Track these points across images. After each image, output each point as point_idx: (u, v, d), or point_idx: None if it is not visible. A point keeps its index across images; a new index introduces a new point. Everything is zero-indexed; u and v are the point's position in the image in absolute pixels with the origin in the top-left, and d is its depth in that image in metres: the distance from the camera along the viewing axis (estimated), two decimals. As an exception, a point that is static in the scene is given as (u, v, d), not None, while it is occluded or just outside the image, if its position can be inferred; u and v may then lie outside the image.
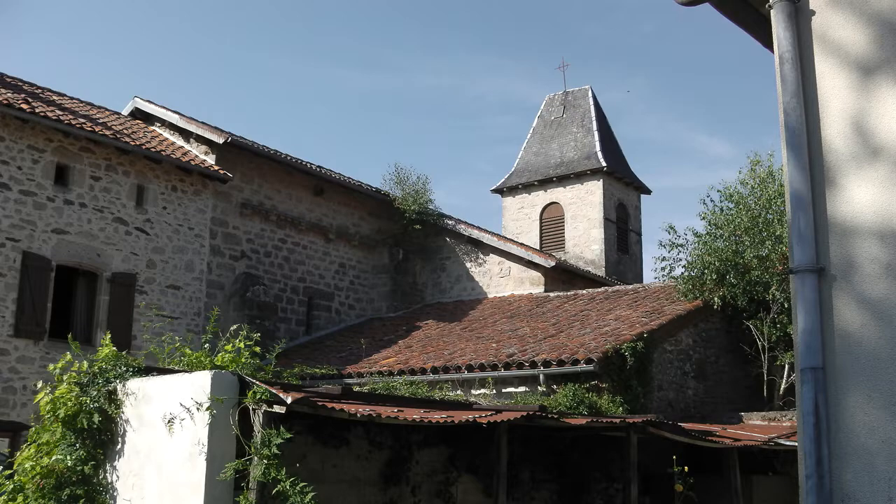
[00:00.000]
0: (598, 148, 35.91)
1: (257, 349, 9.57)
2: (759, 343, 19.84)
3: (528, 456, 12.91)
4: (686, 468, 12.90)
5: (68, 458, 9.42)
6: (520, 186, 36.82)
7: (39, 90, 23.31)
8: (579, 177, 35.44)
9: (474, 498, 12.47)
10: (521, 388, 17.97)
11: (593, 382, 16.85)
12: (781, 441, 14.43)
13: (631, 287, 25.53)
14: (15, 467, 10.37)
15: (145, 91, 76.43)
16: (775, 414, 18.19)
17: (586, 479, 14.64)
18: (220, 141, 24.26)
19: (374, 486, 11.55)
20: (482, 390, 17.74)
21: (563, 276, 27.36)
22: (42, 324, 20.10)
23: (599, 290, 25.16)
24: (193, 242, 23.19)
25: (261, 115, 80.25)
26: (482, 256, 27.74)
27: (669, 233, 21.84)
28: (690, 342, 20.39)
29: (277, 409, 7.88)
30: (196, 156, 24.28)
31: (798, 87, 5.27)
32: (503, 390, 18.02)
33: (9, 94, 20.83)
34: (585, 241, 34.88)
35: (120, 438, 9.31)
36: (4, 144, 20.12)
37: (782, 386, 19.33)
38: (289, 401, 7.76)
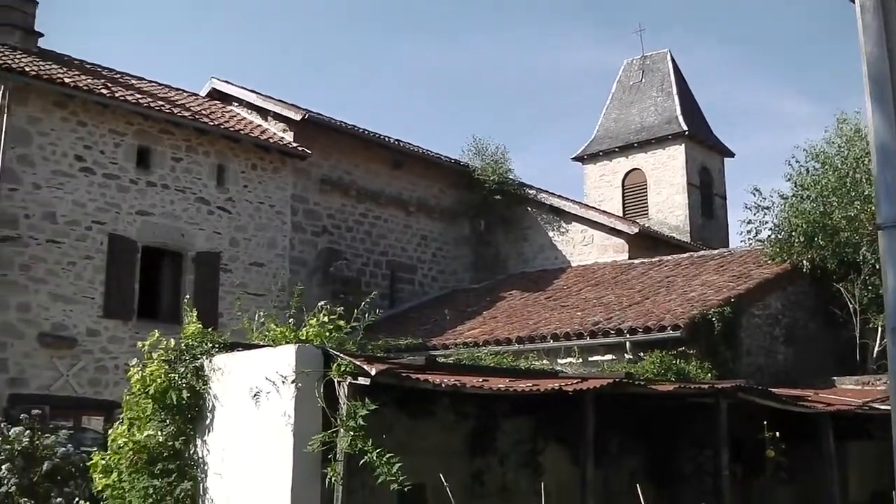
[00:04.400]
0: (678, 112, 35.48)
1: (341, 323, 9.61)
2: (851, 306, 19.43)
3: (615, 424, 12.78)
4: (777, 434, 12.69)
5: (159, 433, 9.57)
6: (600, 154, 36.53)
7: (118, 75, 23.67)
8: (661, 142, 35.06)
9: (562, 467, 12.40)
10: (608, 357, 17.83)
11: (680, 349, 16.61)
12: (876, 405, 14.10)
13: (717, 252, 25.15)
14: (109, 444, 10.58)
15: (221, 71, 77.07)
16: (869, 378, 17.81)
17: (674, 446, 14.47)
18: (298, 118, 24.46)
19: (460, 456, 11.54)
20: (568, 359, 17.66)
21: (647, 242, 27.05)
22: (130, 304, 20.48)
23: (684, 255, 24.83)
24: (275, 220, 23.40)
25: (337, 92, 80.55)
26: (564, 225, 27.55)
27: (755, 195, 21.46)
28: (779, 306, 20.04)
29: (362, 381, 7.88)
30: (274, 133, 24.47)
31: (881, 35, 5.08)
32: (589, 359, 17.88)
33: (89, 80, 21.17)
34: (669, 207, 34.51)
35: (209, 413, 9.42)
36: (87, 129, 20.48)
37: (875, 349, 18.89)
38: (373, 372, 7.76)
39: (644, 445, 14.18)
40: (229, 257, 22.33)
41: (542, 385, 9.72)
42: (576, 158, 37.61)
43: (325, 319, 9.47)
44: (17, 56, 20.76)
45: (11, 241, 19.17)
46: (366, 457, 7.73)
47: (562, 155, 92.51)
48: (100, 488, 10.87)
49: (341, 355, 8.22)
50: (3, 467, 16.57)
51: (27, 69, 19.84)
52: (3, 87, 19.61)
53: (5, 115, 19.52)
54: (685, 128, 34.80)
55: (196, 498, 9.43)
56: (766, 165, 67.89)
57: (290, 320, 9.77)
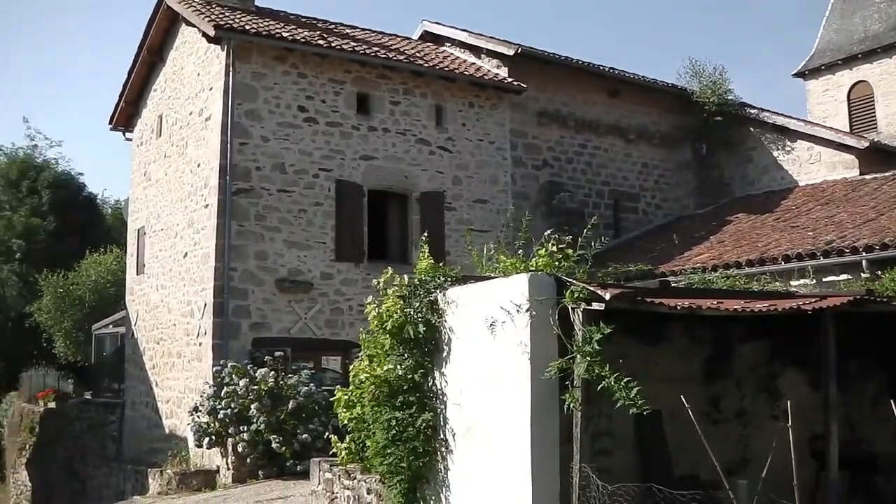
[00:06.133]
0: (905, 15, 33.60)
1: (570, 252, 9.59)
2: None
3: (855, 346, 12.30)
4: None
5: (398, 367, 9.81)
6: (822, 67, 35.03)
7: (333, 25, 24.34)
8: (887, 50, 33.21)
9: (800, 390, 12.09)
10: (843, 276, 17.19)
11: (921, 266, 15.84)
12: None
13: (956, 163, 23.81)
14: (351, 379, 10.98)
15: (430, 13, 77.61)
16: None
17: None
18: (511, 53, 24.51)
19: (695, 382, 11.39)
20: (801, 281, 17.14)
21: (879, 157, 25.76)
22: (360, 247, 21.11)
23: (921, 168, 23.60)
24: (495, 156, 23.56)
25: (545, 24, 79.98)
26: (789, 144, 26.61)
27: None
28: None
29: (596, 306, 7.83)
30: (488, 70, 24.59)
31: None
32: (823, 279, 17.32)
33: (306, 33, 21.79)
34: (900, 119, 32.85)
35: (445, 346, 9.58)
36: (307, 81, 21.11)
37: None
38: (607, 297, 7.69)
39: (886, 367, 13.66)
40: (453, 196, 22.66)
41: (780, 305, 9.47)
42: (797, 74, 36.22)
43: (554, 249, 9.47)
44: (238, 16, 21.58)
45: (245, 193, 20.03)
46: (603, 382, 7.71)
47: (779, 71, 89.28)
48: (345, 421, 11.34)
49: (574, 282, 8.19)
50: (253, 407, 17.56)
51: (248, 27, 20.59)
52: (226, 46, 20.43)
53: (231, 74, 20.31)
54: (914, 31, 32.98)
55: (437, 428, 9.66)
56: None
57: (520, 252, 9.82)
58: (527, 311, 8.16)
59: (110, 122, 27.83)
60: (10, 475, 30.88)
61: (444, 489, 9.60)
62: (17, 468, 29.79)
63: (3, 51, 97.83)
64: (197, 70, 22.29)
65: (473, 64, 24.98)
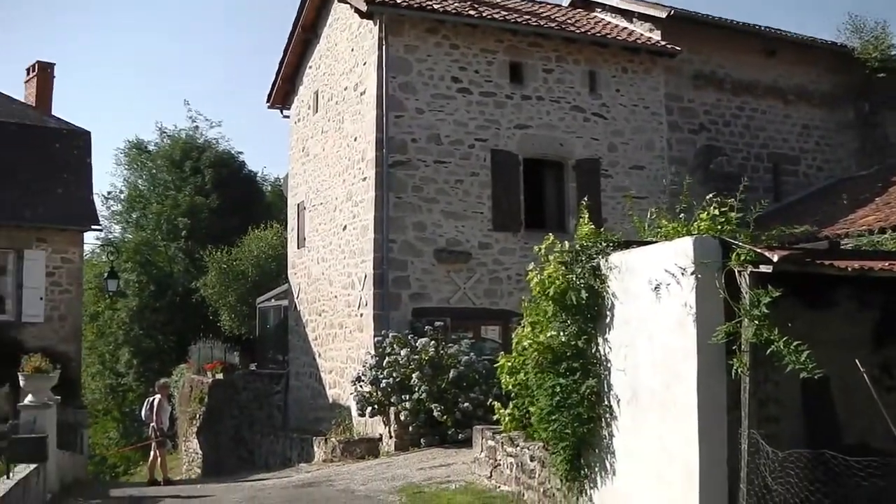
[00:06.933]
0: None
1: (732, 215, 9.44)
2: None
3: None
4: None
5: (561, 334, 9.83)
6: None
7: (482, -5, 24.29)
8: None
9: (982, 354, 11.69)
10: None
11: None
12: None
13: None
14: (514, 346, 11.06)
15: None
16: None
17: None
18: (663, 16, 24.11)
19: (864, 347, 11.08)
20: (978, 244, 16.51)
21: None
22: (517, 216, 21.18)
23: None
24: (651, 121, 23.26)
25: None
26: (961, 100, 25.51)
27: None
28: None
29: (763, 269, 7.70)
30: (641, 35, 24.26)
31: None
32: None
33: (456, 4, 21.89)
34: None
35: (608, 312, 9.54)
36: (459, 52, 21.23)
37: None
38: (775, 259, 7.56)
39: None
40: (608, 162, 22.51)
41: (954, 265, 9.13)
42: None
43: (716, 213, 9.33)
44: (387, -10, 21.77)
45: (402, 166, 20.30)
46: (772, 346, 7.57)
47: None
48: (508, 387, 11.43)
49: (741, 244, 8.06)
50: (414, 376, 17.84)
51: (399, 1, 20.73)
52: (379, 21, 20.69)
53: (384, 48, 20.56)
54: None
55: (601, 394, 9.65)
56: None
57: (682, 216, 9.71)
58: (692, 274, 8.07)
59: (268, 101, 28.44)
60: (182, 443, 32.08)
61: (608, 455, 9.60)
62: (188, 436, 30.94)
63: (166, 36, 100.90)
64: (350, 45, 22.60)
65: (625, 28, 24.68)
